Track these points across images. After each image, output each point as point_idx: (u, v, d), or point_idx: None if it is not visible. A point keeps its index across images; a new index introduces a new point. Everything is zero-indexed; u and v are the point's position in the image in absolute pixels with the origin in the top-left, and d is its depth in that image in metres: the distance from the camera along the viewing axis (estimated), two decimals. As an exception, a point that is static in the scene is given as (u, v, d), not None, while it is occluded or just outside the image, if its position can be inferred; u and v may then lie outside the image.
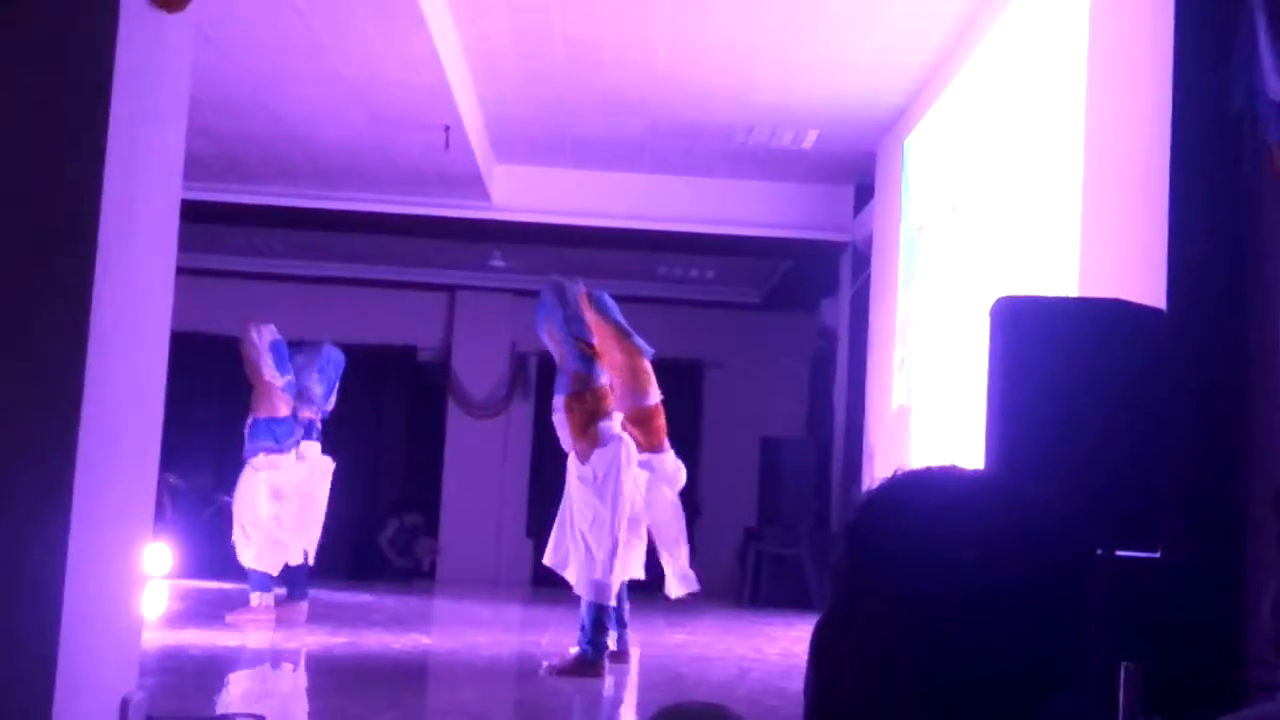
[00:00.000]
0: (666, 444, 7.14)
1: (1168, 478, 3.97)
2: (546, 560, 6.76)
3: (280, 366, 8.34)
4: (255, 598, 8.18)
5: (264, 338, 8.36)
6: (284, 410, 8.31)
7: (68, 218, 3.49)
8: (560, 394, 6.73)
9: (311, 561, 8.45)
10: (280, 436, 8.30)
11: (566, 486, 6.71)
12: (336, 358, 8.75)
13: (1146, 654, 3.35)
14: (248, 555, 8.18)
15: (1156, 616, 3.94)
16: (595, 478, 6.51)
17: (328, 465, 8.59)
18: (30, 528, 3.40)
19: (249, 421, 8.35)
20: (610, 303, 7.18)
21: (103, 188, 3.48)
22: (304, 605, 8.31)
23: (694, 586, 7.09)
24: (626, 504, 6.61)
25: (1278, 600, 1.58)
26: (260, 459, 8.25)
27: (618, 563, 6.54)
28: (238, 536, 8.23)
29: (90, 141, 3.49)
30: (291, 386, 8.37)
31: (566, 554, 6.62)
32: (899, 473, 1.15)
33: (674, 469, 7.18)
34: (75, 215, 3.47)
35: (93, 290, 3.46)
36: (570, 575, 6.60)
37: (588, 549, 6.48)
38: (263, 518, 8.17)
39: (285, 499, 8.28)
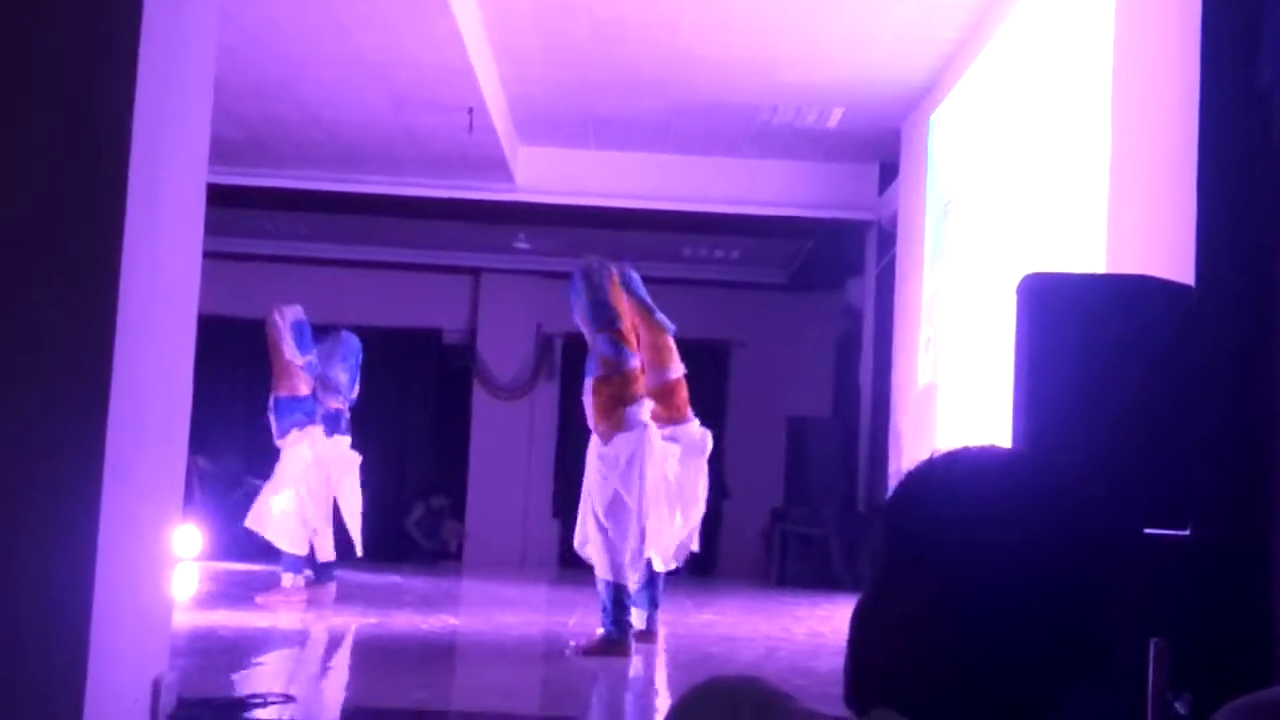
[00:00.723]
0: (690, 414, 7.19)
1: (1196, 455, 3.94)
2: (577, 546, 6.77)
3: (302, 346, 8.37)
4: (287, 579, 8.23)
5: (286, 318, 8.39)
6: (304, 389, 8.35)
7: (94, 201, 3.50)
8: (589, 376, 6.73)
9: (360, 553, 8.48)
10: (307, 411, 8.34)
11: (587, 467, 6.72)
12: (356, 345, 8.78)
13: (1176, 632, 3.33)
14: (272, 530, 8.22)
15: (1186, 595, 3.92)
16: (618, 462, 6.51)
17: (354, 459, 8.60)
18: (61, 511, 3.42)
19: (271, 401, 8.40)
20: (635, 278, 7.22)
21: (129, 170, 3.49)
22: (332, 586, 8.35)
23: (679, 561, 7.24)
24: (657, 489, 6.62)
25: None
26: (294, 435, 8.30)
27: (649, 545, 6.56)
28: (264, 509, 8.25)
29: (115, 124, 3.50)
30: (313, 368, 8.39)
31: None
32: (934, 455, 1.15)
33: (700, 436, 7.21)
34: (101, 199, 3.49)
35: (120, 273, 3.47)
36: (591, 556, 6.61)
37: (603, 530, 6.49)
38: (293, 495, 8.21)
39: (310, 474, 8.31)
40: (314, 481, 8.29)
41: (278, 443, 8.36)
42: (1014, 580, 1.07)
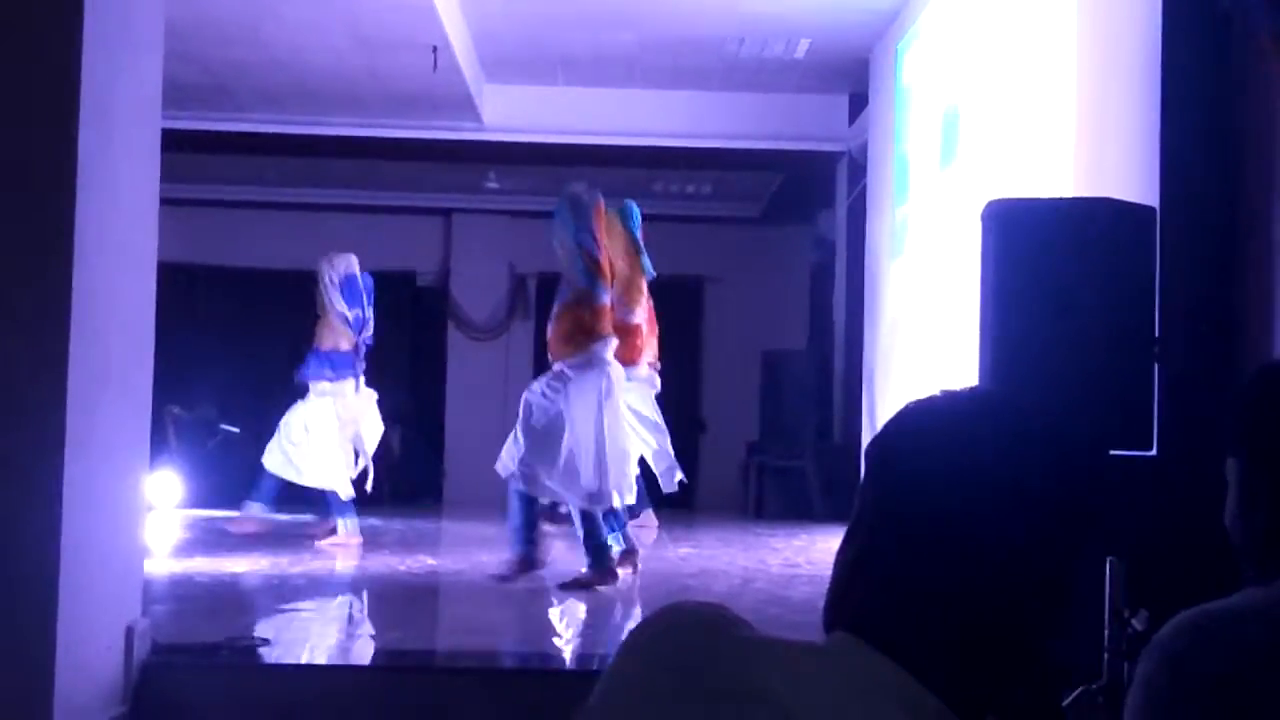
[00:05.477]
0: (642, 362, 7.45)
1: (1162, 375, 3.97)
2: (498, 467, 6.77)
3: (351, 299, 8.31)
4: (342, 525, 8.24)
5: (338, 270, 8.33)
6: (345, 345, 8.31)
7: (44, 149, 3.46)
8: (558, 302, 6.68)
9: (369, 488, 8.58)
10: (337, 367, 8.30)
11: (536, 381, 6.76)
12: (369, 285, 8.71)
13: (1142, 551, 3.36)
14: (278, 463, 8.23)
15: (1153, 515, 3.95)
16: (568, 393, 6.48)
17: (370, 395, 8.58)
18: (23, 459, 3.41)
19: (310, 352, 8.37)
20: (636, 215, 7.40)
21: (79, 115, 3.45)
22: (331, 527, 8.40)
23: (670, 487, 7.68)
24: (616, 426, 6.60)
25: (1232, 512, 1.61)
26: (324, 386, 8.27)
27: (608, 481, 6.51)
28: (279, 451, 8.25)
29: (63, 69, 3.45)
30: (359, 321, 8.35)
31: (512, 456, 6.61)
32: (909, 405, 1.18)
33: (648, 375, 7.66)
34: (52, 146, 3.44)
35: (74, 220, 3.44)
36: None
37: (523, 441, 6.49)
38: (328, 441, 8.21)
39: (342, 427, 8.32)
40: (342, 435, 8.30)
41: (312, 390, 8.31)
42: (975, 517, 1.09)
